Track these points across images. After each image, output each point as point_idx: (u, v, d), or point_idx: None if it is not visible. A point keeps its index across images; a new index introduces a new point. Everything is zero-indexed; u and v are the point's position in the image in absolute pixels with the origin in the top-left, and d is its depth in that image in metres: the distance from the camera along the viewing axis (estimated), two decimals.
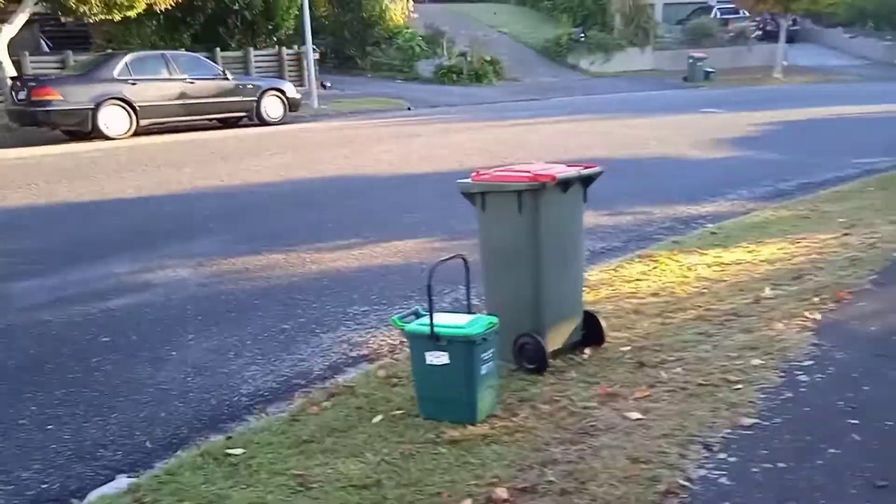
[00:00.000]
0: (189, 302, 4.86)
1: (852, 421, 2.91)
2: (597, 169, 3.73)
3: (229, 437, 3.12)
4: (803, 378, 3.30)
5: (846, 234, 5.69)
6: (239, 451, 2.98)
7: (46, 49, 18.89)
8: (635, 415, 3.06)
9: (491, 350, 3.19)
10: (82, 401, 3.56)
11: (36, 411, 3.48)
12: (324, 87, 20.27)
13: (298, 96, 15.77)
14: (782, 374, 3.34)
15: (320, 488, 2.68)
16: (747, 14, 30.59)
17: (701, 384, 3.30)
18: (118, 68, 13.35)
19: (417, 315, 3.30)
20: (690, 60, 25.33)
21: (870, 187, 7.73)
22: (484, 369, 3.14)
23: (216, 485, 2.75)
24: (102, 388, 3.68)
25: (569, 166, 3.67)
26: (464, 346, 3.08)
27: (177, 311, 4.71)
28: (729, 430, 2.89)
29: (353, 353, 4.06)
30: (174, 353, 4.08)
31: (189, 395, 3.60)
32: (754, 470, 2.62)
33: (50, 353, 4.15)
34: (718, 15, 32.62)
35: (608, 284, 4.88)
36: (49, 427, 3.33)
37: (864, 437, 2.78)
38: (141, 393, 3.62)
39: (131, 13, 15.40)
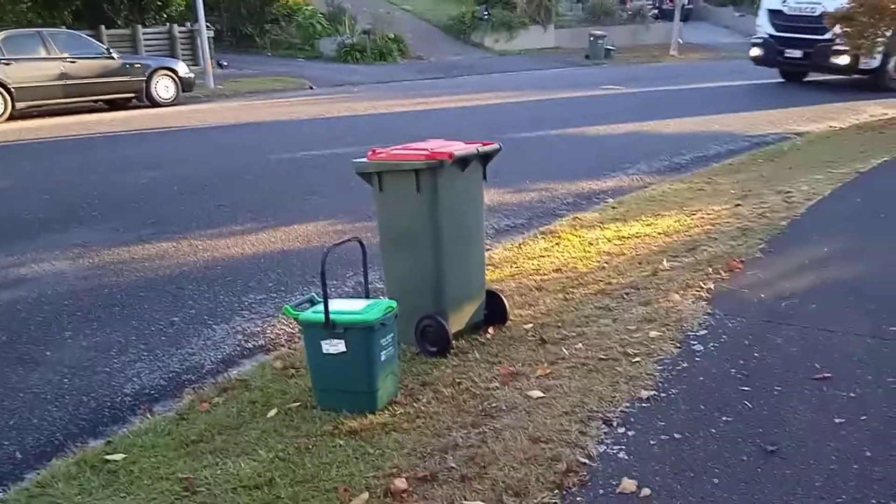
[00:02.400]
0: (67, 297, 4.51)
1: (744, 388, 2.97)
2: (495, 146, 3.66)
3: (109, 442, 2.90)
4: (698, 348, 3.36)
5: (738, 206, 5.89)
6: (119, 456, 2.76)
7: None
8: (537, 393, 3.03)
9: (390, 335, 3.08)
10: None
11: None
12: (220, 66, 19.43)
13: (192, 76, 15.01)
14: (678, 345, 3.39)
15: (208, 491, 2.52)
16: None
17: (601, 359, 3.31)
18: None
19: (312, 302, 3.15)
20: (591, 38, 25.76)
21: (759, 159, 8.06)
22: (383, 356, 3.03)
23: (92, 495, 2.54)
24: None
25: (467, 144, 3.59)
26: (361, 333, 2.96)
27: (53, 307, 4.35)
28: (628, 404, 2.89)
29: (249, 345, 3.87)
30: (49, 353, 3.77)
31: (65, 398, 3.33)
32: (652, 443, 2.63)
33: None
34: None
35: (512, 262, 4.86)
36: None
37: (755, 404, 2.84)
38: (10, 398, 3.32)
39: None
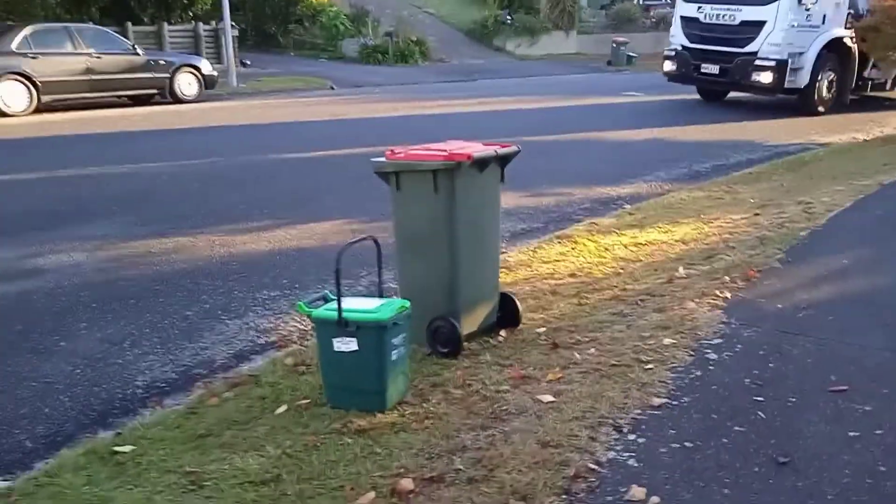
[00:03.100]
0: (84, 288, 4.54)
1: (757, 398, 2.93)
2: (513, 148, 3.65)
3: (118, 434, 2.91)
4: (712, 356, 3.32)
5: (756, 215, 5.83)
6: (128, 448, 2.77)
7: None
8: (547, 397, 3.01)
9: (402, 335, 3.07)
10: None
11: None
12: (243, 64, 19.55)
13: (215, 73, 15.11)
14: (692, 353, 3.35)
15: (214, 486, 2.52)
16: (668, 0, 31.34)
17: (614, 365, 3.28)
18: (17, 41, 12.47)
19: (326, 300, 3.15)
20: (614, 45, 25.65)
21: (780, 169, 7.97)
22: (394, 355, 3.02)
23: (99, 486, 2.55)
24: None
25: (486, 145, 3.58)
26: (373, 332, 2.96)
27: (69, 298, 4.39)
28: (639, 411, 2.86)
29: (261, 341, 3.88)
30: (63, 343, 3.80)
31: (77, 388, 3.35)
32: (662, 450, 2.60)
33: None
34: (641, 1, 33.24)
35: (526, 265, 4.83)
36: None
37: (768, 415, 2.80)
38: (22, 388, 3.35)
39: None
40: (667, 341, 3.47)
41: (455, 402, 3.01)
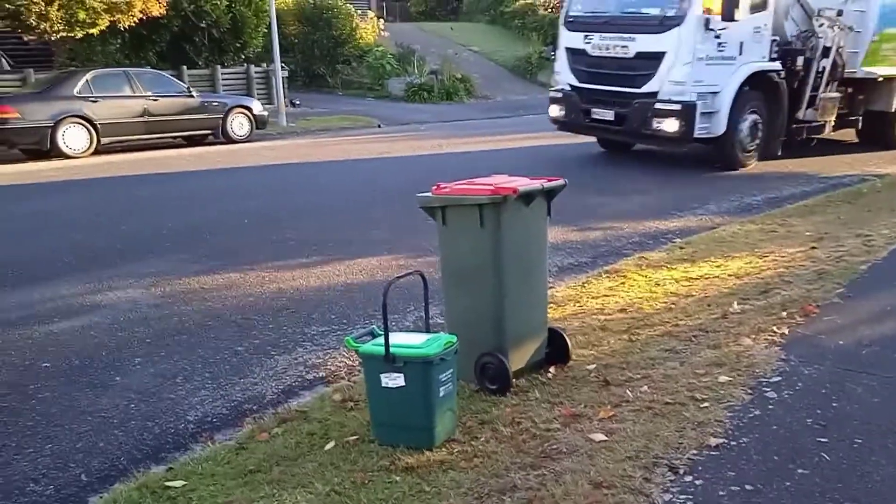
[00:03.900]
0: (139, 324, 4.64)
1: (821, 439, 2.81)
2: (560, 182, 3.63)
3: (170, 469, 2.94)
4: (771, 395, 3.20)
5: (813, 248, 5.67)
6: (179, 483, 2.80)
7: (7, 67, 18.46)
8: (599, 436, 2.94)
9: (450, 371, 3.05)
10: (15, 431, 3.34)
11: None
12: (293, 104, 20.08)
13: (265, 114, 15.55)
14: (750, 391, 3.24)
15: None
16: None
17: (667, 403, 3.19)
18: (79, 86, 13.04)
19: (373, 335, 3.15)
20: None
21: (836, 201, 7.76)
22: (442, 391, 3.00)
23: None
24: (38, 418, 3.46)
25: (532, 179, 3.57)
26: (420, 368, 2.94)
27: (125, 333, 4.49)
28: (695, 451, 2.77)
29: (310, 376, 3.89)
30: (118, 378, 3.87)
31: (131, 423, 3.40)
32: (721, 493, 2.50)
33: None
34: None
35: (575, 301, 4.77)
36: None
37: (833, 457, 2.68)
38: (79, 422, 3.42)
39: (94, 31, 15.08)
40: (722, 379, 3.37)
41: (504, 441, 2.96)
